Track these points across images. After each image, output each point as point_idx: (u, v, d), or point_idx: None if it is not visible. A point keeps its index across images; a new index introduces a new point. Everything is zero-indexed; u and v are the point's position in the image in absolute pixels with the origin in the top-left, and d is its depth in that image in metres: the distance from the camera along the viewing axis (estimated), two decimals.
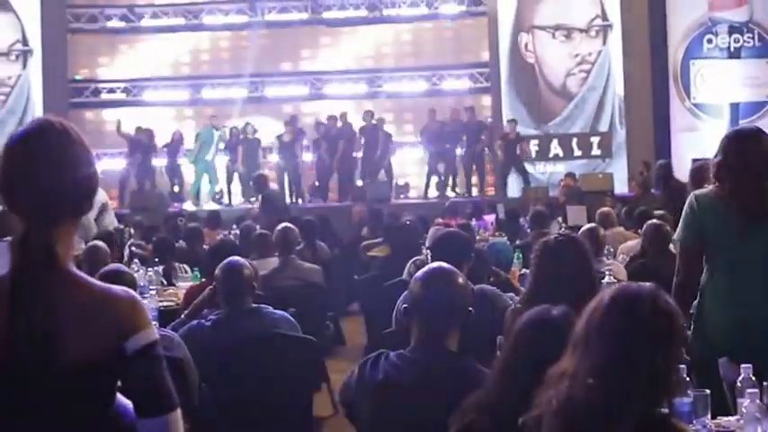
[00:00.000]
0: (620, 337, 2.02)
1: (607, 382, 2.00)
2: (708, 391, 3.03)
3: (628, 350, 2.00)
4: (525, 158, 16.38)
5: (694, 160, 8.67)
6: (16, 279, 1.95)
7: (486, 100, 17.74)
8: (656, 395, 2.04)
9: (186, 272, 7.64)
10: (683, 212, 3.89)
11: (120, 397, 2.06)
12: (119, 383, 2.04)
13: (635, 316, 2.03)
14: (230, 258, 4.76)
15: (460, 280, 3.12)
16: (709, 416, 3.02)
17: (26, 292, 1.94)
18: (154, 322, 2.28)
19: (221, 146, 16.98)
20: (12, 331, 1.92)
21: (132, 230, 10.64)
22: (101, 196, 11.75)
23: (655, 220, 6.68)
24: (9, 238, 1.99)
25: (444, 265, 3.20)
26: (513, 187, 16.60)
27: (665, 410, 2.08)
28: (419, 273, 3.17)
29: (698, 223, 3.82)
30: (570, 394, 2.03)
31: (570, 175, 15.35)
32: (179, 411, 2.04)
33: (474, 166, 16.76)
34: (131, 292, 2.07)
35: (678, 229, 3.95)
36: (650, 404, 2.03)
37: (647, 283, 2.10)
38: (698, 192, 3.92)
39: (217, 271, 4.68)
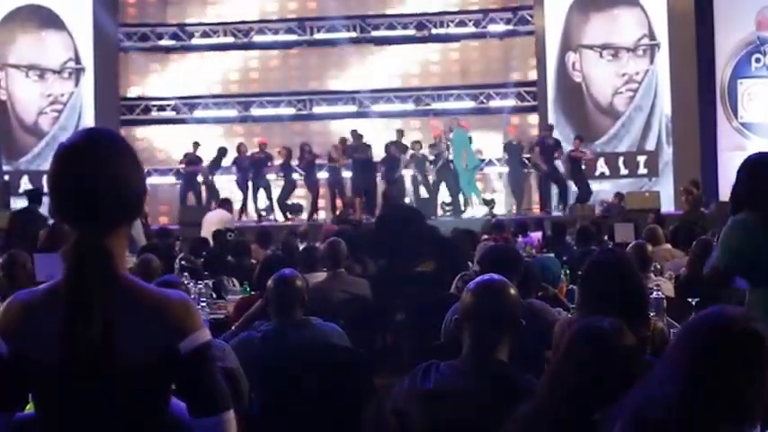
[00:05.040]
0: (708, 356, 1.96)
1: (689, 402, 1.94)
2: None
3: (714, 371, 1.94)
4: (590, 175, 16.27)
5: None
6: (72, 284, 1.97)
7: (533, 118, 17.72)
8: (738, 420, 1.97)
9: (235, 285, 7.72)
10: (735, 237, 3.90)
11: (174, 398, 2.09)
12: (173, 385, 2.07)
13: (725, 337, 1.96)
14: (283, 270, 4.77)
15: (512, 291, 3.11)
16: None
17: (83, 296, 1.96)
18: None
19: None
20: (70, 334, 1.94)
21: (180, 244, 10.77)
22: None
23: (705, 237, 6.68)
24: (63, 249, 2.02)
25: (496, 276, 3.19)
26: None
27: None
28: (471, 283, 3.17)
29: (748, 243, 3.86)
30: (647, 405, 1.98)
31: (618, 194, 15.40)
32: (232, 412, 2.06)
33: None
34: (184, 294, 2.10)
35: (725, 253, 3.94)
36: (731, 428, 1.96)
37: (740, 308, 2.04)
38: (738, 216, 3.93)
39: (269, 282, 4.67)
